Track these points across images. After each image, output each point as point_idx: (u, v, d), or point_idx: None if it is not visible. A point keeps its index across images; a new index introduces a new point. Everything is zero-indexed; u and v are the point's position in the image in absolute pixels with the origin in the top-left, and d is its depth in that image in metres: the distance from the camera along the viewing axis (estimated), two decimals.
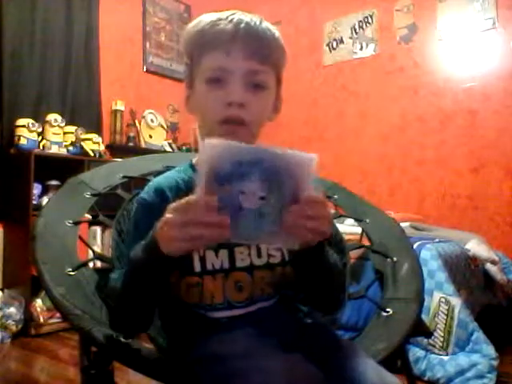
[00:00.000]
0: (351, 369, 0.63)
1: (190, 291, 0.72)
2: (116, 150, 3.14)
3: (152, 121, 3.40)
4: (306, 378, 0.57)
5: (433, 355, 1.80)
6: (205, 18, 0.74)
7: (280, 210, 0.54)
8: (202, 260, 0.72)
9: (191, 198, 0.52)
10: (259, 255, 0.74)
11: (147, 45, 3.62)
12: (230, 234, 0.53)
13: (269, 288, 0.73)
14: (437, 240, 2.13)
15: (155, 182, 0.78)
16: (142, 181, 1.12)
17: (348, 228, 1.57)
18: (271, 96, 0.77)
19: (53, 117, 2.73)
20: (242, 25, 0.71)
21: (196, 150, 3.55)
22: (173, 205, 0.55)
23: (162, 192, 0.74)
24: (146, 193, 0.75)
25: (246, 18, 0.72)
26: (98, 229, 2.70)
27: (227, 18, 0.71)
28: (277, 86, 0.78)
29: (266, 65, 0.72)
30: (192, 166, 0.80)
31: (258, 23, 0.72)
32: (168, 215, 0.55)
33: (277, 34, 0.75)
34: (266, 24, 0.74)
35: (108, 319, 0.73)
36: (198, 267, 0.72)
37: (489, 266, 2.20)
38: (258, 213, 0.53)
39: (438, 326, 1.81)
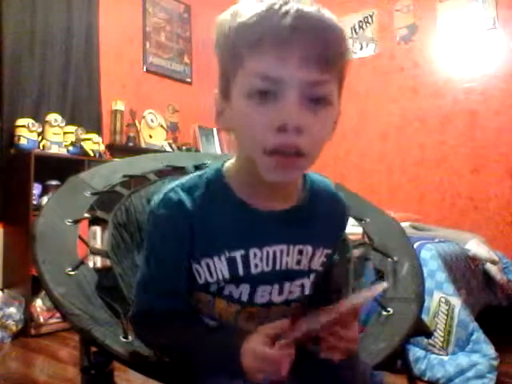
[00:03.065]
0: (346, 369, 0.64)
1: (199, 305, 0.69)
2: (116, 149, 3.13)
3: (152, 121, 3.40)
4: None
5: (433, 355, 1.80)
6: (249, 7, 0.54)
7: None
8: (220, 286, 0.66)
9: (276, 353, 0.55)
10: (280, 293, 0.67)
11: (147, 45, 3.61)
12: None
13: (280, 318, 0.68)
14: (437, 240, 2.13)
15: (175, 191, 0.65)
16: (142, 180, 1.13)
17: (348, 228, 1.56)
18: (335, 113, 0.59)
19: (53, 117, 2.73)
20: (302, 18, 0.52)
21: (197, 151, 3.55)
22: (261, 349, 0.56)
23: (181, 203, 0.64)
24: (167, 206, 0.64)
25: (305, 6, 0.53)
26: (98, 228, 2.70)
27: (280, 7, 0.52)
28: (339, 98, 0.60)
29: (329, 72, 0.55)
30: (220, 172, 0.66)
31: (320, 14, 0.54)
32: (257, 351, 0.56)
33: (342, 28, 0.56)
34: (329, 14, 0.55)
35: (134, 330, 0.73)
36: (213, 288, 0.66)
37: (489, 265, 2.20)
38: None
39: (438, 325, 1.81)
